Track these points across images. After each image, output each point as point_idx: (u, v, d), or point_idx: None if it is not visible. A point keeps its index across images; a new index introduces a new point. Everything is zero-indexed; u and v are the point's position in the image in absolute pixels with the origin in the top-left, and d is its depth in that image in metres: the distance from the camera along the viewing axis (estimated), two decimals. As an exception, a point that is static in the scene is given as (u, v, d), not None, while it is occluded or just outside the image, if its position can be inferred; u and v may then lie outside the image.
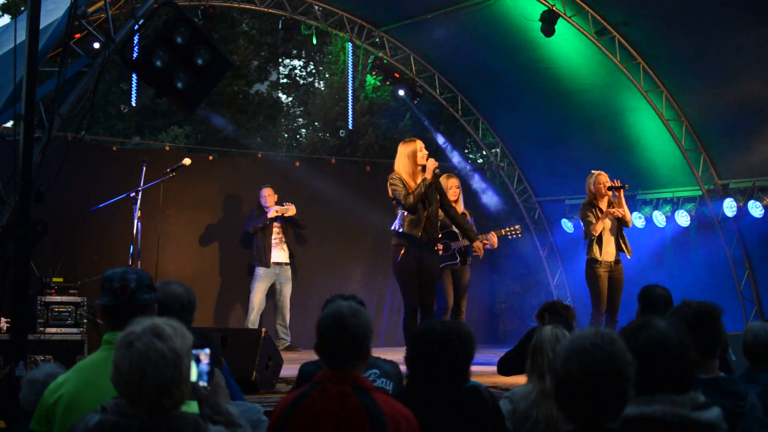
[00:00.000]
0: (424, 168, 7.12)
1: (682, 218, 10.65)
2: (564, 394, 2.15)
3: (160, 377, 2.24)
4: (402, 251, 7.06)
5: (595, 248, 8.01)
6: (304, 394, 2.88)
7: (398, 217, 7.14)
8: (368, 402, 2.81)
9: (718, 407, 2.38)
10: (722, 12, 8.96)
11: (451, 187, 8.22)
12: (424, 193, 7.05)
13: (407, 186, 7.06)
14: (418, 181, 7.11)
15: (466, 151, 16.83)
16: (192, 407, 2.53)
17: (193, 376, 2.54)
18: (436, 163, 7.15)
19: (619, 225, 8.12)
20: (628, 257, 8.24)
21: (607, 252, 8.06)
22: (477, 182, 12.77)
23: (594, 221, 8.01)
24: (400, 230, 7.06)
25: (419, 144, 7.21)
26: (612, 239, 8.07)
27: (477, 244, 7.44)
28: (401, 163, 7.18)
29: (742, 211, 10.05)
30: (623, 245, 8.12)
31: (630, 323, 2.51)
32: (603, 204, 8.11)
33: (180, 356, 2.27)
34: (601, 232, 8.03)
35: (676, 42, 9.70)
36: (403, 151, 7.22)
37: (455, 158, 12.92)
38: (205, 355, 2.61)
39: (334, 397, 2.82)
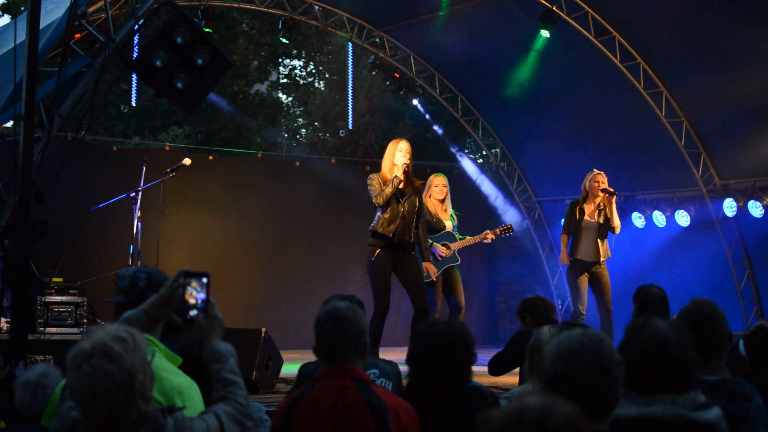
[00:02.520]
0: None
1: (682, 218, 10.64)
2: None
3: (111, 399, 2.20)
4: (377, 251, 7.11)
5: (573, 247, 8.04)
6: (304, 391, 2.90)
7: (375, 216, 7.20)
8: (369, 394, 2.83)
9: (719, 407, 2.38)
10: (722, 12, 8.96)
11: (438, 185, 8.19)
12: (393, 192, 7.04)
13: (383, 185, 7.12)
14: (389, 177, 7.15)
15: (466, 151, 16.85)
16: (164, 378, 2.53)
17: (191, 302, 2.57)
18: (406, 161, 7.12)
19: (604, 229, 8.06)
20: (602, 259, 8.13)
21: (586, 252, 8.01)
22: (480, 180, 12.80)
23: (565, 227, 8.14)
24: (375, 230, 7.12)
25: (401, 144, 7.21)
26: (593, 240, 8.02)
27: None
28: (384, 161, 7.25)
29: (742, 211, 10.04)
30: (601, 248, 8.05)
31: (631, 324, 2.51)
32: (592, 204, 8.08)
33: (132, 374, 2.22)
34: (580, 232, 8.02)
35: (676, 42, 9.70)
36: (387, 149, 7.29)
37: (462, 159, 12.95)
38: (202, 284, 2.62)
39: (334, 390, 2.83)
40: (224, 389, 2.54)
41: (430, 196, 8.09)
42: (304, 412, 2.82)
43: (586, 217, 8.05)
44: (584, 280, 7.97)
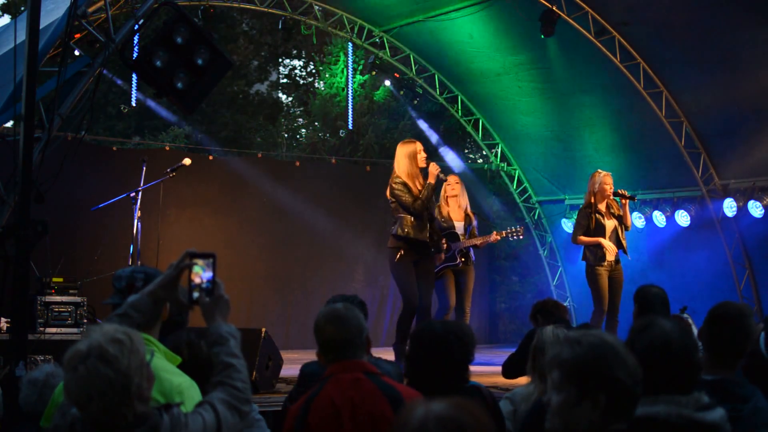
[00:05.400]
0: (423, 170, 7.19)
1: (682, 218, 10.65)
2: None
3: (107, 402, 2.19)
4: (400, 253, 7.12)
5: (596, 250, 7.97)
6: (317, 389, 2.93)
7: (397, 220, 7.17)
8: (382, 385, 2.88)
9: (722, 408, 2.37)
10: (722, 12, 8.96)
11: (450, 183, 8.23)
12: (431, 197, 7.16)
13: (411, 190, 7.11)
14: (417, 183, 7.16)
15: (466, 151, 16.84)
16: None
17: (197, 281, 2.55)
18: (439, 168, 7.23)
19: (619, 225, 8.08)
20: (628, 258, 8.20)
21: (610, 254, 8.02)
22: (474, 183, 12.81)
23: (582, 232, 7.98)
24: (401, 233, 7.11)
25: (419, 146, 7.26)
26: (611, 239, 8.02)
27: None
28: (402, 165, 7.21)
29: (742, 211, 10.05)
30: (623, 246, 8.07)
31: (635, 323, 2.50)
32: (602, 206, 8.05)
33: (128, 377, 2.20)
34: (597, 232, 7.99)
35: (676, 42, 9.70)
36: (403, 152, 7.25)
37: (451, 158, 12.97)
38: (209, 265, 2.59)
39: (348, 384, 2.87)
40: (221, 373, 2.52)
41: (446, 196, 8.17)
42: (320, 407, 2.85)
43: (604, 219, 8.01)
44: (606, 281, 7.93)
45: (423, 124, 13.28)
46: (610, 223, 8.01)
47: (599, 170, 8.15)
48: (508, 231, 8.52)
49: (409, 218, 7.13)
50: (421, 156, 7.20)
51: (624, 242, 8.08)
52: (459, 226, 8.24)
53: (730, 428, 2.41)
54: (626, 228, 8.10)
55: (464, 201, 8.39)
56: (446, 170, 10.16)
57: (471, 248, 8.26)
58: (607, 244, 7.88)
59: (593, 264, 7.92)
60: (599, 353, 2.11)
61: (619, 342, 2.17)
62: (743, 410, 2.83)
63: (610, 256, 7.88)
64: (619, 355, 2.12)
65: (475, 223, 8.35)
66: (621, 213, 8.05)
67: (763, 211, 9.83)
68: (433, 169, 7.18)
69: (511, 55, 10.86)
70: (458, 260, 8.18)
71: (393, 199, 7.20)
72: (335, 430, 2.81)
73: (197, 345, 3.22)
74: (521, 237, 8.65)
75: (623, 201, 8.01)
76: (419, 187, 7.19)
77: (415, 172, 7.19)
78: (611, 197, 8.04)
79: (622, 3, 9.69)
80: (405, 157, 7.21)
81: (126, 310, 2.64)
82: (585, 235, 7.97)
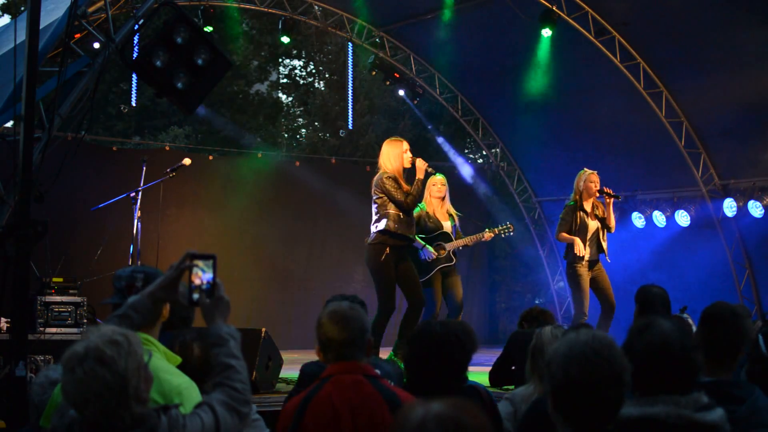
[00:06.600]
0: (409, 169, 7.18)
1: (682, 218, 10.65)
2: (564, 400, 2.14)
3: (104, 403, 2.20)
4: (386, 251, 7.07)
5: (575, 246, 7.95)
6: (315, 389, 2.91)
7: (384, 215, 7.12)
8: (381, 388, 2.86)
9: (722, 408, 2.37)
10: (722, 12, 8.96)
11: (436, 183, 8.18)
12: (422, 193, 7.14)
13: (402, 186, 7.09)
14: (403, 181, 7.16)
15: (466, 151, 16.85)
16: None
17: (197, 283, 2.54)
18: (426, 162, 7.17)
19: (604, 227, 8.04)
20: (608, 261, 8.10)
21: (591, 252, 7.91)
22: (476, 182, 12.79)
23: (566, 229, 7.94)
24: (392, 228, 7.06)
25: (405, 145, 7.23)
26: (596, 240, 7.98)
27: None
28: (390, 163, 7.19)
29: (742, 211, 10.05)
30: (603, 248, 8.01)
31: (635, 324, 2.50)
32: (588, 205, 8.03)
33: (125, 379, 2.21)
34: (585, 234, 7.94)
35: (676, 42, 9.70)
36: (390, 151, 7.23)
37: (457, 159, 12.96)
38: (209, 266, 2.58)
39: (347, 385, 2.85)
40: (221, 374, 2.51)
41: (430, 195, 8.08)
42: (318, 408, 2.83)
43: (588, 218, 8.02)
44: (588, 281, 7.91)
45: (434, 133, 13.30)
46: (593, 224, 7.98)
47: (585, 169, 8.13)
48: (500, 228, 8.50)
49: (398, 214, 7.10)
50: (407, 156, 7.17)
51: (605, 244, 8.00)
52: (447, 226, 8.19)
53: (730, 429, 2.41)
54: (609, 230, 8.02)
55: (448, 203, 8.34)
56: (438, 168, 10.15)
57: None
58: (579, 244, 7.82)
59: (573, 262, 7.87)
60: (556, 350, 2.17)
61: (590, 345, 2.15)
62: (738, 411, 2.82)
63: (585, 255, 7.83)
64: (569, 356, 2.13)
65: (457, 222, 8.32)
66: (605, 215, 8.01)
67: (763, 211, 9.83)
68: (420, 164, 7.13)
69: (510, 55, 10.86)
70: (453, 260, 8.14)
71: (381, 195, 7.15)
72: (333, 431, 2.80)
73: (189, 346, 3.21)
74: (512, 233, 8.64)
75: (608, 200, 7.97)
76: (405, 185, 7.19)
77: (401, 170, 7.18)
78: (596, 196, 8.02)
79: (622, 3, 9.69)
80: (392, 156, 7.21)
81: (126, 311, 2.64)
82: (568, 233, 7.94)
